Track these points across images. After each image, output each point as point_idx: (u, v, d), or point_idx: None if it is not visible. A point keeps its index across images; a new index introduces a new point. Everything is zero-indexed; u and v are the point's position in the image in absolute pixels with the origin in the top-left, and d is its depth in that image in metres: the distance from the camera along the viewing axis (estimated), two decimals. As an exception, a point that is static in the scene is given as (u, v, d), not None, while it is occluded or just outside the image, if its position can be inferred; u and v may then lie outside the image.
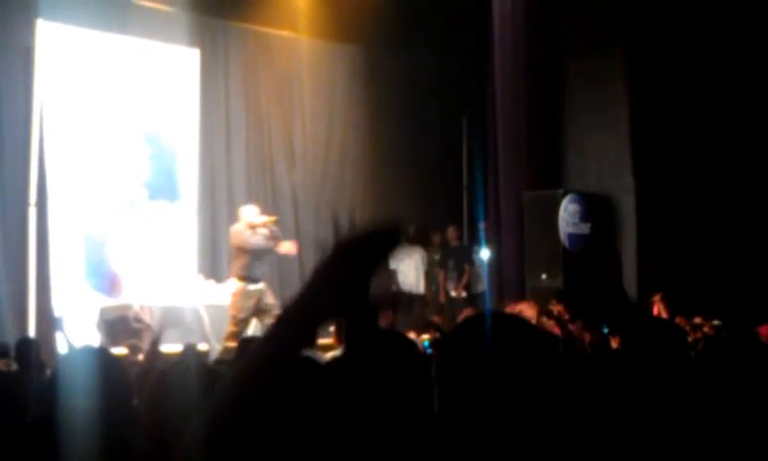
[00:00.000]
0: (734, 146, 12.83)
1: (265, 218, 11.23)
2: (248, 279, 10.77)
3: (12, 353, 6.91)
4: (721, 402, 3.81)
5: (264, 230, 11.06)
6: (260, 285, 10.87)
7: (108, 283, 11.54)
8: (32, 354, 6.58)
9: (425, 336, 10.31)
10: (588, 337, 9.49)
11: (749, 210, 12.75)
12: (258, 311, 10.70)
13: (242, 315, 10.58)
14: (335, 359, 4.49)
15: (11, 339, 8.79)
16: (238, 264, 10.90)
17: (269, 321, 10.42)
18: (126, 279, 11.57)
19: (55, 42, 11.58)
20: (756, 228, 12.69)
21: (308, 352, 7.57)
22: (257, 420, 1.81)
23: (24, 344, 7.29)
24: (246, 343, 7.69)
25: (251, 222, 11.03)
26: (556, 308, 10.71)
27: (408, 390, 2.80)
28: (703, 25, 12.83)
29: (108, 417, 3.65)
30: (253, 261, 10.86)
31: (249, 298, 10.66)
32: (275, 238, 11.18)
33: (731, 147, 12.84)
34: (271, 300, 10.85)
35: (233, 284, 10.92)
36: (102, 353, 4.57)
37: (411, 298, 14.22)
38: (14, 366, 6.20)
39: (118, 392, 3.96)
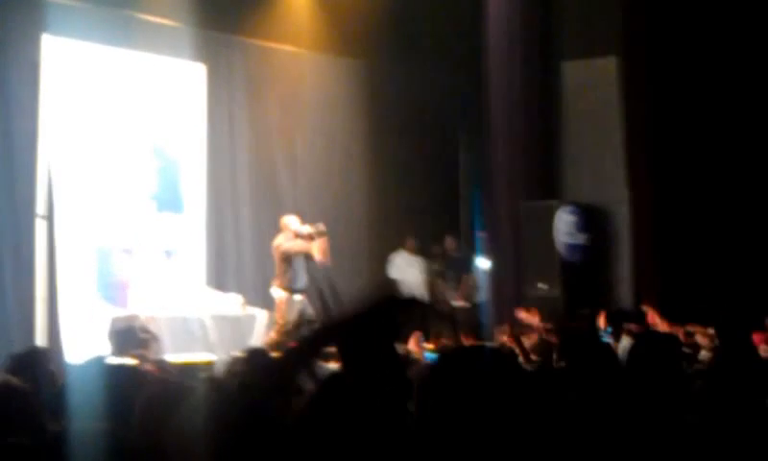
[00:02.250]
0: (729, 156, 12.96)
1: (309, 227, 11.70)
2: (291, 289, 11.26)
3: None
4: (720, 412, 3.93)
5: (301, 241, 11.59)
6: (302, 297, 11.38)
7: (116, 294, 11.70)
8: (41, 366, 6.61)
9: (430, 346, 10.50)
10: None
11: (744, 219, 12.89)
12: (301, 323, 11.10)
13: (287, 325, 11.10)
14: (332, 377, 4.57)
15: (18, 349, 8.95)
16: (282, 274, 11.37)
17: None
18: (133, 289, 11.73)
19: (61, 57, 11.67)
20: (750, 236, 12.84)
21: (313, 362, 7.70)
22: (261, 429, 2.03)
23: (33, 355, 7.29)
24: (255, 352, 7.89)
25: (297, 231, 11.53)
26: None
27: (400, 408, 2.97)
28: (697, 37, 12.98)
29: (116, 432, 3.79)
30: (296, 272, 11.38)
31: (292, 308, 11.18)
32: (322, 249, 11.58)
33: (725, 157, 12.97)
34: (311, 311, 11.33)
35: (276, 293, 11.32)
36: (111, 368, 4.72)
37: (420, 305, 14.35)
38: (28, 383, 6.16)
39: (126, 406, 4.11)
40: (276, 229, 12.06)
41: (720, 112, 12.94)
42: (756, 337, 8.93)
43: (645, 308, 11.35)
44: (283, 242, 11.64)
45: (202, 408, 3.92)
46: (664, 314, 11.14)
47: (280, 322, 11.26)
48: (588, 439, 3.59)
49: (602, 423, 3.76)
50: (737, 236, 12.86)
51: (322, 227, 11.82)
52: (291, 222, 11.77)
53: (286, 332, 11.11)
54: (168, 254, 12.52)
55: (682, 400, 3.93)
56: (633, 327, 10.06)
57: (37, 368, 6.56)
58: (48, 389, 5.74)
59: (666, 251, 13.33)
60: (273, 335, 11.09)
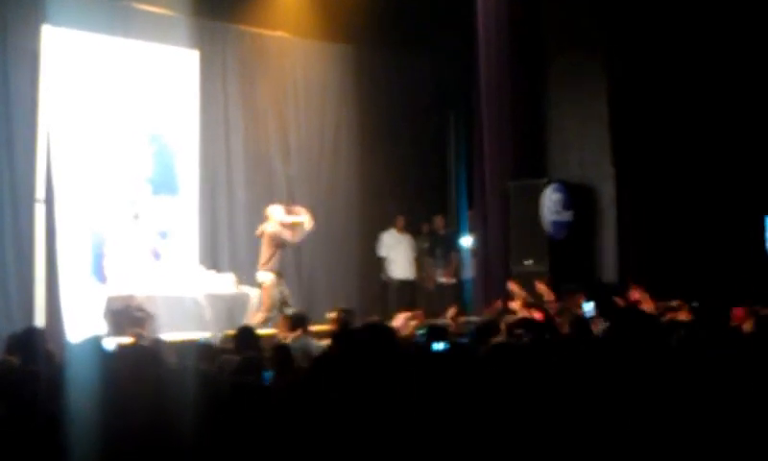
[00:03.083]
0: (708, 134, 13.26)
1: (294, 217, 12.42)
2: (277, 272, 12.02)
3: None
4: (696, 387, 3.99)
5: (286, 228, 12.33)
6: (282, 278, 12.21)
7: (110, 275, 11.93)
8: (39, 346, 6.82)
9: (415, 323, 10.80)
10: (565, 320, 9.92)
11: (723, 196, 13.18)
12: (281, 302, 12.00)
13: (274, 305, 11.87)
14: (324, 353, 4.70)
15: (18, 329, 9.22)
16: (270, 258, 12.07)
17: (287, 309, 11.62)
18: (118, 268, 11.99)
19: (60, 46, 11.93)
20: (729, 212, 13.13)
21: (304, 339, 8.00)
22: None
23: (30, 335, 7.48)
24: (243, 330, 8.20)
25: (281, 221, 12.20)
26: (540, 287, 11.18)
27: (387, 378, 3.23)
28: (678, 22, 13.25)
29: (112, 409, 3.94)
30: (280, 256, 12.17)
31: (278, 289, 12.00)
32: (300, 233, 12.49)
33: (705, 135, 13.26)
34: (287, 291, 12.23)
35: (265, 277, 12.02)
36: (108, 347, 4.96)
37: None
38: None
39: (122, 384, 4.33)
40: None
41: (700, 94, 13.23)
42: (738, 312, 9.19)
43: (633, 288, 11.62)
44: (270, 228, 12.18)
45: (197, 385, 4.17)
46: (647, 288, 11.45)
47: (268, 302, 11.89)
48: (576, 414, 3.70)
49: (584, 398, 3.88)
50: (718, 212, 13.15)
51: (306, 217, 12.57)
52: (275, 212, 12.33)
53: (272, 309, 11.81)
54: (163, 235, 12.86)
55: (658, 375, 4.01)
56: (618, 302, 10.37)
57: (35, 347, 6.81)
58: (45, 368, 6.01)
59: (650, 226, 13.62)
60: (260, 315, 11.75)
